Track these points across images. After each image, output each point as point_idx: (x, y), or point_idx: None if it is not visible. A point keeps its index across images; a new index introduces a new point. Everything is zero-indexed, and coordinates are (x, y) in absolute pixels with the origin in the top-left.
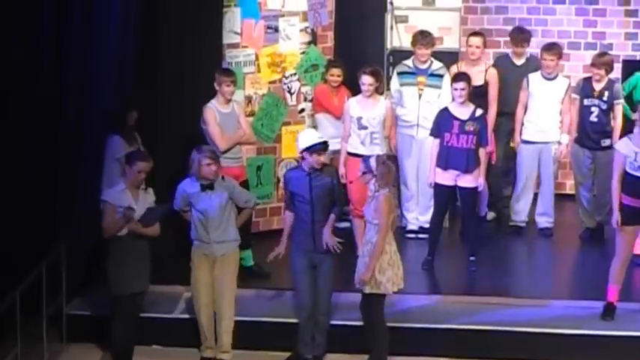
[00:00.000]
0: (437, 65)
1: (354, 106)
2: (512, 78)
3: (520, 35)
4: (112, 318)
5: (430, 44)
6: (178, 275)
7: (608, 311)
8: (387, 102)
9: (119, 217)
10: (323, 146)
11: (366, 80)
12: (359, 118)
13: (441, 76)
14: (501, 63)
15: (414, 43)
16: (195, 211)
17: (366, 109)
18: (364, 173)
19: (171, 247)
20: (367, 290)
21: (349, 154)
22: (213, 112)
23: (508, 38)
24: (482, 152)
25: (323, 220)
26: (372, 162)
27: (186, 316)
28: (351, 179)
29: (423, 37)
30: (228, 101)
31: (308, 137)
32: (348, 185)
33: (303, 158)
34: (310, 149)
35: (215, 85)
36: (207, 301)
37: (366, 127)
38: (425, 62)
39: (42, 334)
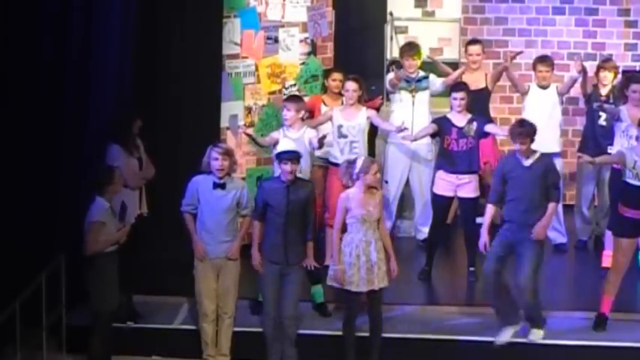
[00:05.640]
0: (422, 74)
1: (336, 114)
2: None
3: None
4: (91, 332)
5: (418, 55)
6: (178, 285)
7: (600, 322)
8: (369, 111)
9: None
10: (292, 155)
11: (350, 86)
12: (339, 126)
13: (427, 77)
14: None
15: (401, 54)
16: (200, 208)
17: (347, 117)
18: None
19: (170, 257)
20: (383, 285)
21: (330, 162)
22: (278, 134)
23: (508, 49)
24: (491, 126)
25: (296, 233)
26: (361, 163)
27: (187, 326)
28: (331, 188)
29: (410, 49)
30: (295, 127)
31: (280, 146)
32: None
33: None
34: (279, 157)
35: None
36: (212, 308)
37: (345, 136)
38: (413, 73)
39: (42, 344)
